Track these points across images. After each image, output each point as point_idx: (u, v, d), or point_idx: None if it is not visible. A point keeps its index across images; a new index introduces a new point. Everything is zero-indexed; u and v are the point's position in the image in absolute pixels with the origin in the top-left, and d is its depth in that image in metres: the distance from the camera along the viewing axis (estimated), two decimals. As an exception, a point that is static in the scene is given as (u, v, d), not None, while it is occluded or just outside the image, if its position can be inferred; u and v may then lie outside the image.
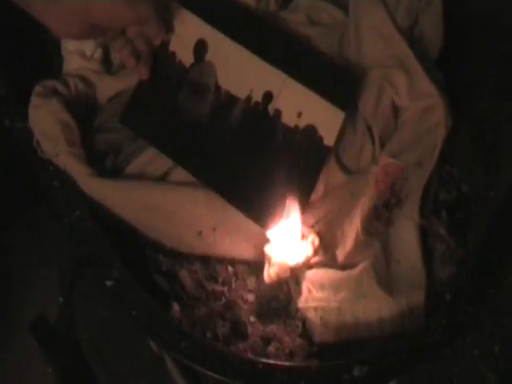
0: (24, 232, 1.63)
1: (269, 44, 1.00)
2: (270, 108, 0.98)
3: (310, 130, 0.97)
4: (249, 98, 0.99)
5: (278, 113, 0.98)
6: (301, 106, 0.97)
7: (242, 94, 0.99)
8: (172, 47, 1.02)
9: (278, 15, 1.09)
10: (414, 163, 0.97)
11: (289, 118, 0.98)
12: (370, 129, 1.01)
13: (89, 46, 1.10)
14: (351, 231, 0.95)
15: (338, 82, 0.98)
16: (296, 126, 0.97)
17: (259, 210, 0.96)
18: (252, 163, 0.98)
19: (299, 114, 0.97)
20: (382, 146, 1.00)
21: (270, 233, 0.92)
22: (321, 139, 0.97)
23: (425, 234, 0.97)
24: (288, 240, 0.92)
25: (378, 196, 0.96)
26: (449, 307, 0.85)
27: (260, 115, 0.98)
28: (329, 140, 0.96)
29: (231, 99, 0.99)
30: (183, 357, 0.83)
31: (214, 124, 1.00)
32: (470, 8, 1.06)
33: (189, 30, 1.01)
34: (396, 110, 1.03)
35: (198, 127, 1.00)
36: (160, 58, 1.02)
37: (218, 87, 1.00)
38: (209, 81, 1.00)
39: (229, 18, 1.02)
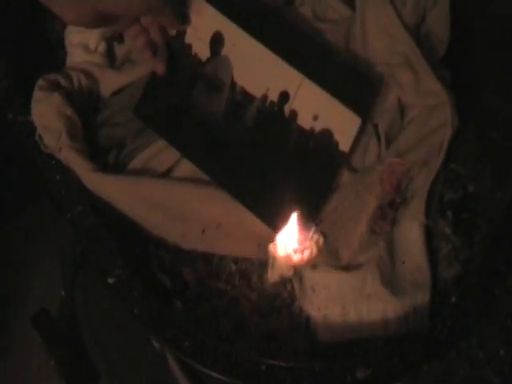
0: (27, 225, 1.63)
1: (287, 42, 0.98)
2: (286, 108, 0.97)
3: (326, 134, 0.95)
4: (265, 97, 0.97)
5: (293, 114, 0.96)
6: (317, 108, 0.96)
7: (257, 93, 0.98)
8: (188, 39, 1.01)
9: (284, 9, 1.08)
10: (419, 162, 0.96)
11: (304, 120, 0.96)
12: (375, 127, 1.00)
13: (92, 39, 1.09)
14: (356, 230, 0.94)
15: (357, 87, 0.97)
16: (311, 129, 0.96)
17: (271, 213, 0.94)
18: (265, 164, 0.97)
19: (315, 117, 0.96)
20: (388, 144, 0.99)
21: (279, 235, 0.91)
22: (336, 144, 0.95)
23: (430, 234, 0.96)
24: (292, 239, 0.91)
25: (383, 195, 0.95)
26: (454, 308, 0.84)
27: (275, 115, 0.97)
28: (344, 145, 0.95)
29: (247, 97, 0.98)
30: (185, 356, 0.83)
31: (229, 122, 0.98)
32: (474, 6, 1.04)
33: (205, 21, 1.00)
34: (402, 108, 1.02)
35: (212, 124, 0.99)
36: (175, 50, 1.01)
37: (233, 84, 0.99)
38: (224, 77, 0.99)
39: (247, 12, 1.00)
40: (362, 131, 0.97)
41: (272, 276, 0.93)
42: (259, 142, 0.98)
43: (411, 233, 0.95)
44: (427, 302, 0.90)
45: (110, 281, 0.88)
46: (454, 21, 1.03)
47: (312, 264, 0.94)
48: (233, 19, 0.99)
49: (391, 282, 0.92)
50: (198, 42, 1.00)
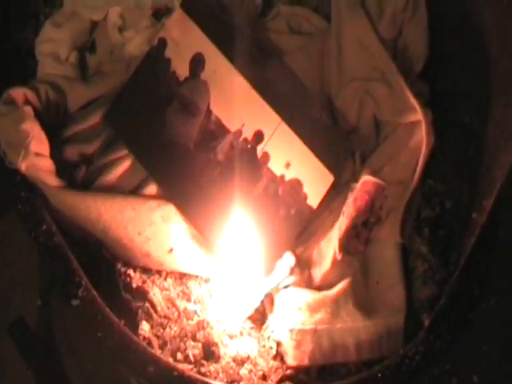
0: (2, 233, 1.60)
1: (271, 82, 0.97)
2: (259, 149, 0.95)
3: (296, 185, 0.94)
4: (239, 133, 0.95)
5: (266, 156, 0.94)
6: (291, 156, 0.94)
7: (232, 126, 0.96)
8: (168, 53, 0.99)
9: (259, 22, 1.06)
10: (394, 180, 0.94)
11: (276, 166, 0.94)
12: (350, 143, 0.98)
13: (64, 49, 1.07)
14: (329, 250, 0.92)
15: (334, 144, 0.96)
16: (282, 177, 0.94)
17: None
18: (231, 202, 0.95)
19: (287, 165, 0.94)
20: (363, 161, 0.97)
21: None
22: (305, 197, 0.94)
23: (406, 253, 0.94)
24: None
25: (356, 214, 0.93)
26: (427, 333, 0.82)
27: (247, 154, 0.95)
28: (313, 201, 0.94)
29: (221, 128, 0.96)
30: (149, 382, 0.80)
31: (199, 151, 0.96)
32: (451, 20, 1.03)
33: (189, 39, 0.98)
34: (377, 125, 0.99)
35: (183, 149, 0.97)
36: (154, 61, 0.99)
37: (208, 111, 0.96)
38: (201, 102, 0.97)
39: (233, 42, 0.98)
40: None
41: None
42: (228, 178, 0.95)
43: (386, 253, 0.93)
44: (401, 324, 0.88)
45: (74, 303, 0.85)
46: (432, 35, 1.01)
47: (284, 285, 0.91)
48: (217, 44, 0.96)
49: (365, 303, 0.90)
50: (178, 58, 0.98)
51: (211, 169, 0.96)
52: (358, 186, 0.94)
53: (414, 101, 0.95)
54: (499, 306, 0.86)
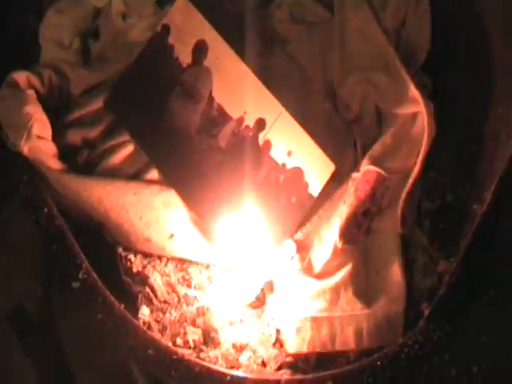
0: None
1: (273, 70, 0.98)
2: (261, 137, 0.95)
3: (297, 173, 0.94)
4: (241, 120, 0.95)
5: (267, 144, 0.95)
6: (292, 144, 0.94)
7: (234, 113, 0.96)
8: (171, 39, 0.98)
9: (262, 11, 1.06)
10: (396, 171, 0.94)
11: (278, 154, 0.95)
12: (352, 133, 0.98)
13: (67, 35, 1.06)
14: (329, 239, 0.92)
15: (335, 133, 0.97)
16: (283, 165, 0.95)
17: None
18: (229, 188, 0.95)
19: (289, 153, 0.95)
20: (364, 151, 0.97)
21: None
22: (306, 185, 0.94)
23: (406, 244, 0.94)
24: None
25: (357, 204, 0.93)
26: (426, 323, 0.82)
27: (249, 142, 0.95)
28: (314, 189, 0.94)
29: (223, 115, 0.96)
30: (148, 364, 0.80)
31: (201, 136, 0.96)
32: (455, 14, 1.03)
33: (192, 26, 0.98)
34: (379, 115, 1.00)
35: (184, 136, 0.96)
36: (157, 47, 0.99)
37: (211, 98, 0.96)
38: (203, 89, 0.97)
39: (235, 28, 0.99)
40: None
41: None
42: (229, 165, 0.95)
43: (386, 243, 0.93)
44: (401, 314, 0.88)
45: (75, 285, 0.85)
46: (435, 29, 1.01)
47: (284, 273, 0.91)
48: (220, 32, 0.97)
49: (365, 293, 0.90)
50: (181, 45, 0.98)
51: (213, 156, 0.96)
52: (359, 175, 0.94)
53: (415, 91, 0.95)
54: (499, 296, 0.86)
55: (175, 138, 0.96)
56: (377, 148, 0.96)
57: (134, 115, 0.98)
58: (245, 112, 0.95)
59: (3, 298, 1.16)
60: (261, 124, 0.95)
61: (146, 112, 0.98)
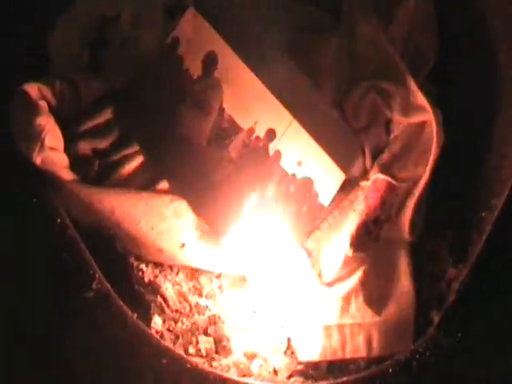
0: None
1: (283, 81, 0.97)
2: (271, 147, 0.96)
3: (308, 183, 0.95)
4: (251, 131, 0.96)
5: (278, 155, 0.96)
6: (303, 154, 0.96)
7: (245, 124, 0.97)
8: (181, 51, 1.00)
9: (271, 21, 1.06)
10: (405, 179, 0.95)
11: (288, 164, 0.96)
12: (361, 142, 0.98)
13: (76, 45, 1.07)
14: (340, 247, 0.93)
15: (344, 141, 0.97)
16: (294, 175, 0.96)
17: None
18: (240, 199, 0.95)
19: (299, 163, 0.96)
20: (373, 159, 0.98)
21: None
22: (316, 195, 0.95)
23: (415, 251, 0.95)
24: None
25: (367, 212, 0.93)
26: (437, 330, 0.83)
27: (259, 152, 0.96)
28: (324, 199, 0.95)
29: (233, 126, 0.97)
30: (162, 373, 0.81)
31: (212, 148, 0.97)
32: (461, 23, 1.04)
33: (201, 37, 0.99)
34: (388, 124, 1.00)
35: (195, 147, 0.97)
36: (166, 59, 1.00)
37: (221, 109, 0.97)
38: (214, 100, 0.98)
39: (245, 40, 0.99)
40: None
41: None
42: (240, 175, 0.96)
43: (396, 250, 0.93)
44: (411, 322, 0.89)
45: (88, 295, 0.86)
46: (441, 37, 1.02)
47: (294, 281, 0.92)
48: (229, 43, 0.98)
49: (375, 300, 0.91)
50: (191, 56, 0.99)
51: (223, 166, 0.96)
52: (369, 183, 0.95)
53: (424, 100, 0.95)
54: (508, 304, 0.86)
55: (186, 149, 0.97)
56: (386, 156, 0.97)
57: (144, 126, 0.99)
58: (255, 123, 0.96)
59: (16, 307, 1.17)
60: (271, 134, 0.95)
61: (156, 123, 0.99)
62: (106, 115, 1.00)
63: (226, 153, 0.96)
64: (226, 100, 0.97)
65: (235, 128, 0.97)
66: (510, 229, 0.88)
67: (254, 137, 0.96)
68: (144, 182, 0.97)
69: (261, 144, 0.96)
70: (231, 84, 0.97)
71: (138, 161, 0.97)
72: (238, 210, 0.95)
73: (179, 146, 0.98)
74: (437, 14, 1.03)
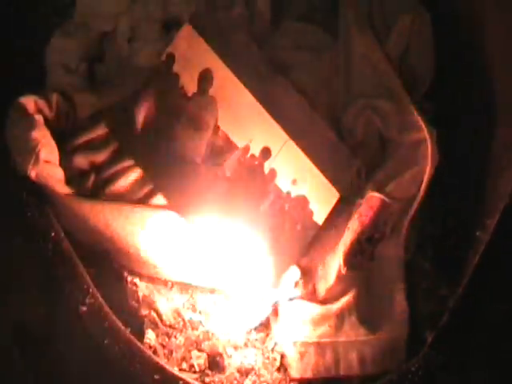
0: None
1: (278, 99, 0.98)
2: (267, 165, 0.96)
3: (302, 201, 0.95)
4: (247, 149, 0.97)
5: (273, 173, 0.96)
6: (297, 173, 0.96)
7: (240, 142, 0.97)
8: (176, 68, 1.00)
9: (266, 39, 1.07)
10: (399, 197, 0.95)
11: (283, 182, 0.96)
12: (356, 159, 0.99)
13: (74, 59, 1.07)
14: (334, 264, 0.93)
15: (340, 161, 0.97)
16: (288, 193, 0.96)
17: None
18: (238, 217, 0.95)
19: (294, 181, 0.96)
20: (368, 177, 0.98)
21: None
22: (311, 213, 0.95)
23: (409, 270, 0.95)
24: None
25: (361, 230, 0.93)
26: (430, 349, 0.83)
27: (255, 170, 0.96)
28: (319, 217, 0.96)
29: (228, 144, 0.97)
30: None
31: (207, 165, 0.97)
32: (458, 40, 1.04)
33: (196, 54, 0.99)
34: (383, 142, 1.01)
35: (190, 164, 0.98)
36: (162, 76, 1.00)
37: (216, 127, 0.98)
38: (209, 118, 0.98)
39: (240, 57, 1.00)
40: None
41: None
42: (235, 193, 0.96)
43: (389, 269, 0.94)
44: (404, 340, 0.89)
45: (82, 309, 0.86)
46: (438, 55, 1.02)
47: (288, 298, 0.92)
48: (225, 60, 0.98)
49: (368, 318, 0.91)
50: (186, 74, 1.00)
51: (219, 184, 0.97)
52: (363, 201, 0.95)
53: (419, 119, 0.96)
54: (501, 324, 0.87)
55: (181, 166, 0.97)
56: (380, 174, 0.97)
57: (139, 143, 0.99)
58: (250, 141, 0.96)
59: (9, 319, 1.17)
60: (266, 153, 0.96)
61: (151, 140, 0.99)
62: (102, 129, 1.00)
63: (221, 171, 0.96)
64: (220, 118, 0.98)
65: (230, 146, 0.97)
66: (504, 248, 0.88)
67: (249, 155, 0.97)
68: (140, 197, 0.97)
69: (256, 162, 0.96)
70: (226, 102, 0.98)
71: (133, 175, 0.97)
72: (234, 228, 0.95)
73: (174, 163, 0.98)
74: (434, 32, 1.03)
